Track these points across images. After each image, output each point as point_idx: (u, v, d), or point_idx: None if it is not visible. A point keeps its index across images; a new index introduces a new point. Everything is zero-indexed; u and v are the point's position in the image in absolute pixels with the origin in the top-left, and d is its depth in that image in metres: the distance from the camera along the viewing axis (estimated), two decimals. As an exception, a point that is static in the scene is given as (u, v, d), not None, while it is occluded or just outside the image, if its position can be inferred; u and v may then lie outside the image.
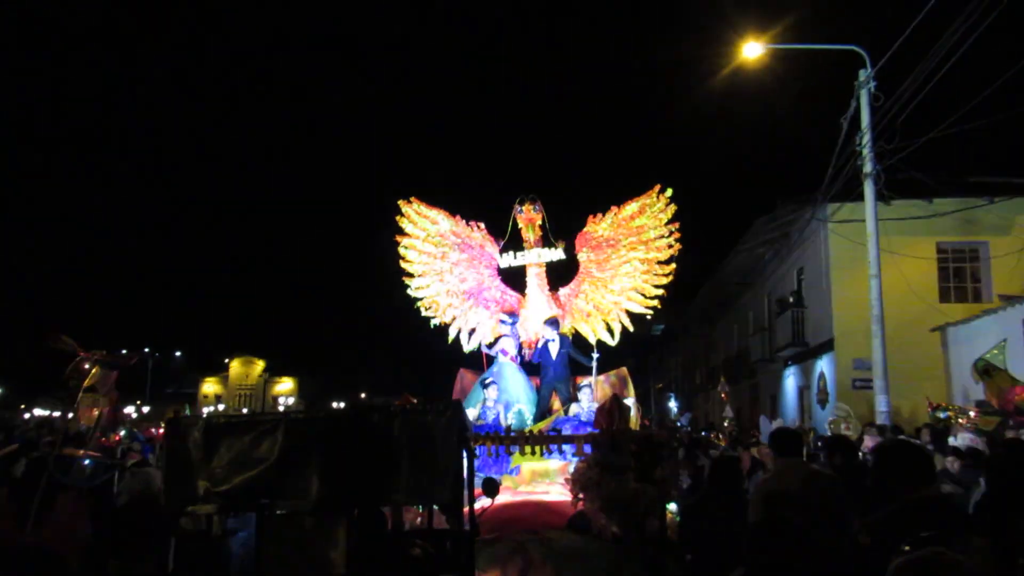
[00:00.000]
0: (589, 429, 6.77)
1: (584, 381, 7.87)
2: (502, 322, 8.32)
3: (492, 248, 8.67)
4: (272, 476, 3.06)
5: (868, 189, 10.16)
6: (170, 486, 3.23)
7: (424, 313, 8.62)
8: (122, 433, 9.83)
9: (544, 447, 6.29)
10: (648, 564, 4.28)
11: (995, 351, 8.35)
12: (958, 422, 7.98)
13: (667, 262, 8.31)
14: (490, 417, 7.47)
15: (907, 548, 1.85)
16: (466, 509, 3.10)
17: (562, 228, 8.65)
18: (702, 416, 24.25)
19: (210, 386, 50.53)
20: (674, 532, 4.60)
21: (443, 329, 8.64)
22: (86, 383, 5.16)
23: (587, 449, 5.24)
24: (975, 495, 4.73)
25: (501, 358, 8.17)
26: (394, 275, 8.77)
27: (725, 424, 13.14)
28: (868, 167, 10.11)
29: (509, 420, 7.59)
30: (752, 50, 10.68)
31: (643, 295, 8.35)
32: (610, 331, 8.42)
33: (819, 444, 8.00)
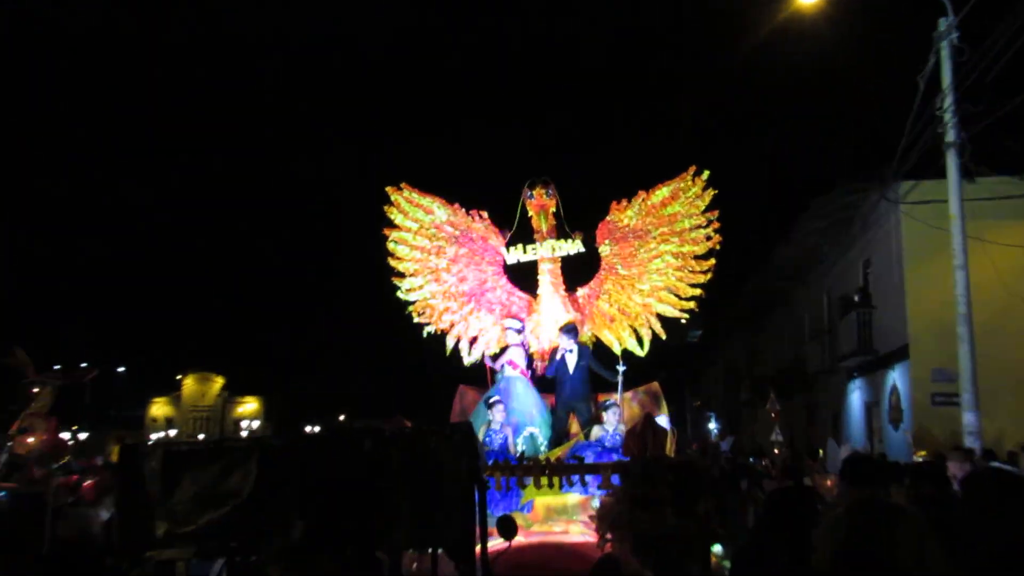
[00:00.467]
0: (616, 457, 6.84)
1: (608, 399, 7.90)
2: (509, 329, 8.37)
3: (497, 241, 8.72)
4: (245, 514, 3.05)
5: (951, 162, 10.07)
6: (123, 527, 3.22)
7: (416, 320, 8.67)
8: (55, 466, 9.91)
9: (562, 478, 6.34)
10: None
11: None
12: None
13: (705, 256, 8.34)
14: (496, 443, 7.51)
15: None
16: (478, 552, 3.11)
17: (580, 217, 8.69)
18: (747, 439, 24.25)
19: (160, 408, 50.82)
20: (720, 579, 4.64)
21: (439, 338, 8.68)
22: (32, 407, 5.23)
23: (615, 480, 5.28)
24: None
25: (508, 372, 8.21)
26: (381, 275, 8.84)
27: (775, 451, 13.16)
28: (950, 136, 10.02)
29: (519, 446, 7.64)
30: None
31: (677, 296, 8.38)
32: (638, 339, 8.45)
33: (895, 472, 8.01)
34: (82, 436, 34.44)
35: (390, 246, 8.75)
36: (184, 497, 3.15)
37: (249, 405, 51.43)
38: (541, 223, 8.51)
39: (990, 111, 9.45)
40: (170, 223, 65.24)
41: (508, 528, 4.01)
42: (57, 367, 8.72)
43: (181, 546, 3.15)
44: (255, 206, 66.12)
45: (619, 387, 7.96)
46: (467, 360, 8.69)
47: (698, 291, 8.32)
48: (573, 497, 6.94)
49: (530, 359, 8.45)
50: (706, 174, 8.41)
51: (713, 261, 8.33)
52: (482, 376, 8.53)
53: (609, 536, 4.98)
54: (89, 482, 6.56)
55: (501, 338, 8.55)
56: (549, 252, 8.45)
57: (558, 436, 7.92)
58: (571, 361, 8.06)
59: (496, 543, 4.08)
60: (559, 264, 8.54)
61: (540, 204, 8.49)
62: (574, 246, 8.47)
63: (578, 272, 8.77)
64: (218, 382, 51.13)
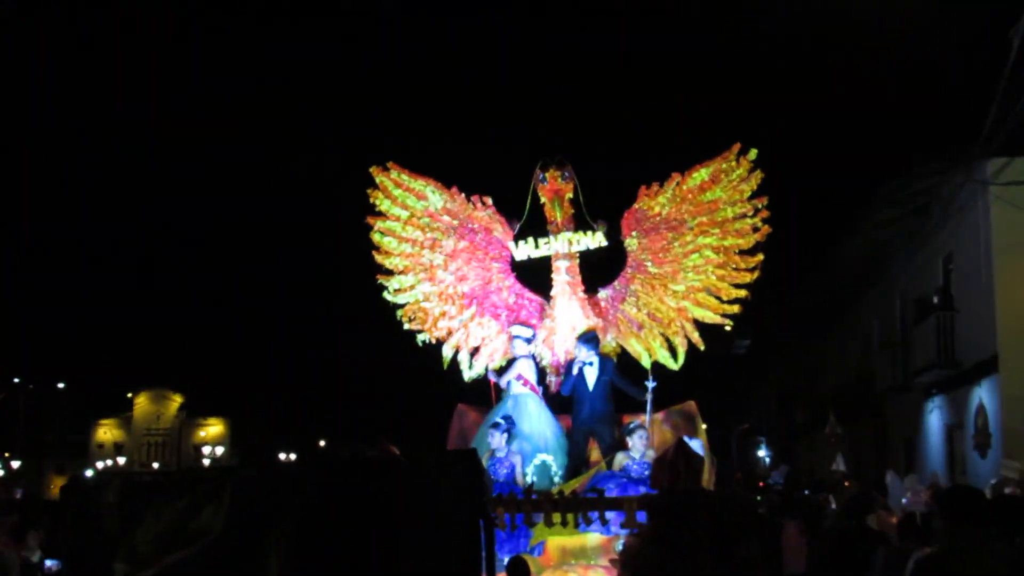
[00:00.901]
0: (644, 490, 6.83)
1: (635, 421, 7.90)
2: (517, 338, 8.38)
3: (503, 233, 8.74)
4: (216, 555, 3.09)
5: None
6: (75, 571, 3.34)
7: (407, 326, 8.69)
8: None
9: (580, 514, 6.35)
10: None
11: None
12: None
13: (752, 252, 8.33)
14: (502, 473, 7.54)
15: None
16: None
17: (603, 204, 8.70)
18: (805, 470, 24.13)
19: (107, 431, 51.26)
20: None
21: (434, 348, 8.70)
22: None
23: (640, 518, 5.28)
24: None
25: (517, 389, 8.22)
26: (365, 273, 8.87)
27: (845, 483, 13.07)
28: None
29: (529, 476, 7.65)
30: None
31: (718, 298, 8.37)
32: (672, 350, 8.45)
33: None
34: (15, 464, 34.78)
35: (375, 238, 8.75)
36: (147, 536, 3.20)
37: (212, 428, 51.74)
38: (556, 212, 8.51)
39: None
40: (121, 221, 65.94)
41: (520, 572, 4.03)
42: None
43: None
44: (219, 199, 66.66)
45: (648, 407, 7.97)
46: (467, 375, 8.71)
47: (743, 293, 8.32)
48: (593, 538, 6.95)
49: (542, 373, 8.46)
50: (753, 153, 8.40)
51: (761, 257, 8.32)
52: (485, 394, 8.55)
53: (634, 584, 5.00)
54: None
55: (508, 348, 8.56)
56: (565, 247, 8.45)
57: (575, 465, 7.93)
58: (591, 376, 8.06)
59: None
60: (577, 261, 8.53)
61: (555, 189, 8.50)
62: (595, 239, 8.46)
63: (600, 270, 8.79)
64: (176, 400, 51.49)
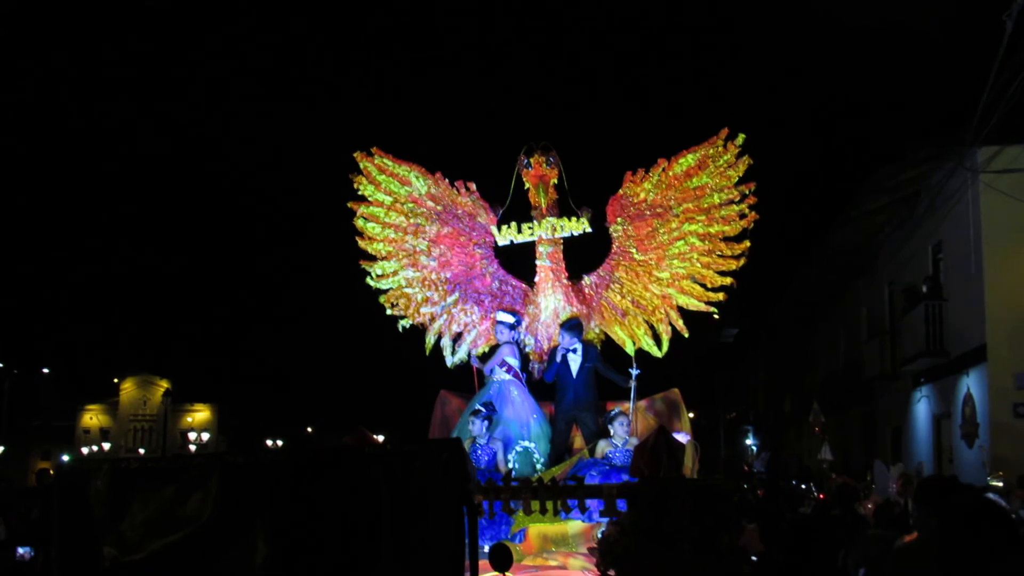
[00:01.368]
0: (625, 477, 6.82)
1: (616, 408, 7.91)
2: (501, 324, 8.37)
3: (487, 219, 8.72)
4: (203, 542, 3.14)
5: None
6: (62, 556, 3.32)
7: (390, 312, 8.70)
8: None
9: (560, 502, 6.33)
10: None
11: None
12: None
13: (738, 238, 8.32)
14: (483, 460, 7.54)
15: None
16: None
17: (587, 190, 8.68)
18: (794, 460, 24.28)
19: (93, 417, 51.16)
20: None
21: (417, 334, 8.70)
22: None
23: (621, 506, 5.27)
24: None
25: (500, 375, 8.23)
26: (348, 259, 8.84)
27: (833, 474, 13.12)
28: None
29: (510, 463, 7.66)
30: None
31: (703, 285, 8.37)
32: (656, 337, 8.45)
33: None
34: (0, 449, 34.64)
35: (358, 223, 8.77)
36: (134, 523, 3.25)
37: (199, 414, 51.69)
38: (540, 197, 8.49)
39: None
40: (106, 206, 65.52)
41: (502, 559, 4.02)
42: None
43: (131, 577, 3.22)
44: (206, 185, 66.30)
45: (632, 394, 7.98)
46: (450, 361, 8.72)
47: (729, 280, 8.31)
48: (575, 525, 6.96)
49: (525, 360, 8.47)
50: (740, 138, 8.37)
51: (747, 244, 8.31)
52: (468, 380, 8.55)
53: (612, 573, 4.99)
54: None
55: (491, 335, 8.56)
56: (549, 232, 8.44)
57: (558, 452, 7.97)
58: (574, 363, 8.07)
59: None
60: (561, 247, 8.53)
61: (539, 175, 8.48)
62: (579, 225, 8.44)
63: (584, 257, 8.79)
64: (162, 386, 51.28)
